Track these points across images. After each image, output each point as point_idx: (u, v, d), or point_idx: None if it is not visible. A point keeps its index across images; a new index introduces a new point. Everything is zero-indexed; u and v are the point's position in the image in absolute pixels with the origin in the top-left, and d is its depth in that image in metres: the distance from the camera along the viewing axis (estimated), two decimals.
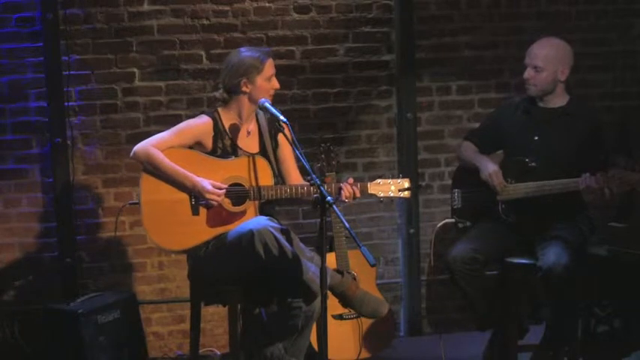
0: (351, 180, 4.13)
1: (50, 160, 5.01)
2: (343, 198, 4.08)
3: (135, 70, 5.09)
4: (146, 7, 5.07)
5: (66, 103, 5.01)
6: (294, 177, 4.30)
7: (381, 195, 4.17)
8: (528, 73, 4.43)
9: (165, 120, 5.02)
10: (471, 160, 4.57)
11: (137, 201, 4.15)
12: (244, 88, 4.14)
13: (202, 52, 5.13)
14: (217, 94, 4.21)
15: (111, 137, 5.09)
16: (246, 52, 4.17)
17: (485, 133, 4.65)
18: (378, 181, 4.18)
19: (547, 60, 4.39)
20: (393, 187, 4.17)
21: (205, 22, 5.14)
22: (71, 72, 5.00)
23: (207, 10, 5.13)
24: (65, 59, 4.98)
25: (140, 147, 4.10)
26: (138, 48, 5.08)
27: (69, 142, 5.01)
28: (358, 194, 4.11)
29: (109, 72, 5.07)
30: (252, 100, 4.16)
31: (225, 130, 4.18)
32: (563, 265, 4.16)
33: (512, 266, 4.42)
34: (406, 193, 4.19)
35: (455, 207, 4.62)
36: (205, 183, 4.03)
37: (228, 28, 5.16)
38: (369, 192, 4.16)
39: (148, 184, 4.08)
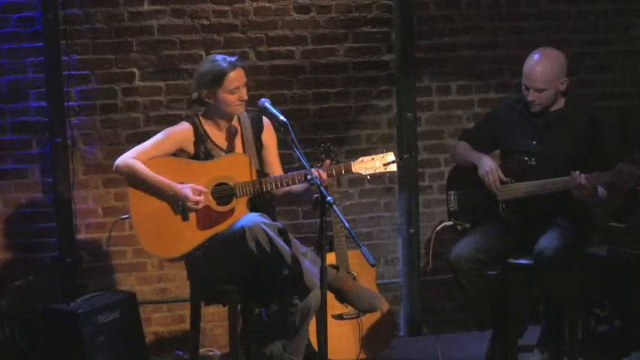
0: (327, 162, 4.11)
1: (50, 160, 5.01)
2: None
3: (135, 70, 5.09)
4: (146, 7, 5.08)
5: (66, 103, 5.01)
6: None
7: (367, 172, 4.10)
8: (532, 96, 4.36)
9: (166, 120, 5.02)
10: (467, 157, 4.55)
11: (128, 215, 4.15)
12: (207, 100, 4.14)
13: (202, 52, 5.12)
14: (193, 97, 4.19)
15: (111, 137, 5.10)
16: (211, 62, 4.14)
17: (482, 132, 4.63)
18: (362, 158, 4.12)
19: (548, 80, 4.33)
20: (377, 163, 4.10)
21: (205, 22, 5.14)
22: (71, 72, 5.00)
23: (207, 10, 5.13)
24: (65, 59, 4.98)
25: (121, 160, 4.09)
26: (138, 48, 5.08)
27: (69, 142, 5.01)
28: (325, 176, 3.98)
29: (109, 72, 5.07)
30: (218, 110, 4.16)
31: (206, 134, 4.18)
32: (555, 247, 4.15)
33: (512, 266, 4.41)
34: (392, 167, 4.10)
35: (452, 209, 4.59)
36: (186, 190, 4.03)
37: (228, 28, 5.16)
38: (354, 171, 4.10)
39: (136, 197, 4.08)
